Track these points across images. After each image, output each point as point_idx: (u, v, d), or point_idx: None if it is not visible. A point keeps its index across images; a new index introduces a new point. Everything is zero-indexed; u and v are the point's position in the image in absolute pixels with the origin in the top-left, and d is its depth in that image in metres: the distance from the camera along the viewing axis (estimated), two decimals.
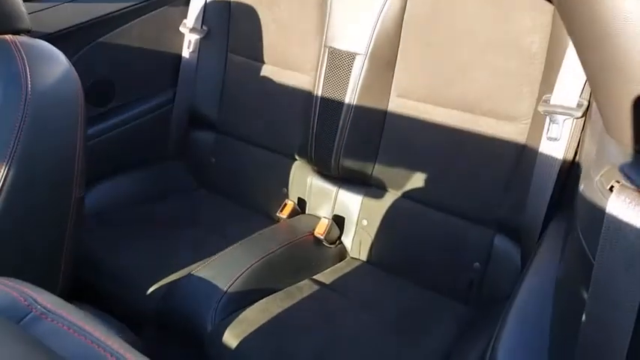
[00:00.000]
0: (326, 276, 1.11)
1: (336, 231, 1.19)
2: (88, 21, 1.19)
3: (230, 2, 1.32)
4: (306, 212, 1.26)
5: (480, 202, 1.01)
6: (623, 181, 0.43)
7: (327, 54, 1.14)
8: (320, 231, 1.15)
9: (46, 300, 0.39)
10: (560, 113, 0.87)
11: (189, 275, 0.99)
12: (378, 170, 1.14)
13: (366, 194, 1.18)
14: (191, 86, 1.38)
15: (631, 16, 0.42)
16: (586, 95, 0.85)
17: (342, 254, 1.20)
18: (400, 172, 1.11)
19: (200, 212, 1.31)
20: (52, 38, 1.06)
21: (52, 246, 0.81)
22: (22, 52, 0.78)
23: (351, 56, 1.10)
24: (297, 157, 1.27)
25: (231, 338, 0.88)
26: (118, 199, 1.29)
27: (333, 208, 1.22)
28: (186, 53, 1.37)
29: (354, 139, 1.14)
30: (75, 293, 0.87)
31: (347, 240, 1.21)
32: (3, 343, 0.31)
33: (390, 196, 1.14)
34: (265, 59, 1.29)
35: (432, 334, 0.95)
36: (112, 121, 1.28)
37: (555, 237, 0.76)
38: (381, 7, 1.06)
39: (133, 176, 1.35)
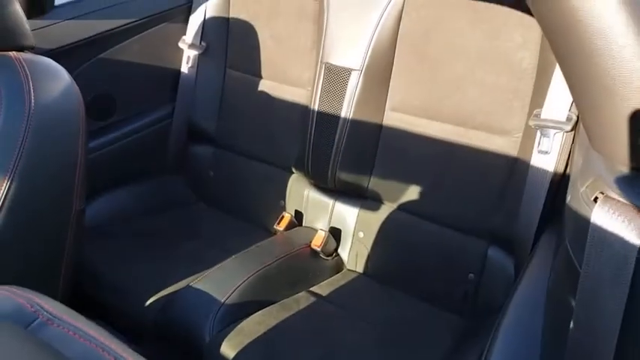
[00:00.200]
0: (323, 288, 1.12)
1: (332, 243, 1.20)
2: (89, 37, 1.22)
3: (228, 19, 1.35)
4: (303, 225, 1.28)
5: (474, 214, 1.03)
6: (607, 192, 0.45)
7: (323, 69, 1.16)
8: (317, 243, 1.17)
9: (52, 306, 0.40)
10: (551, 127, 0.89)
11: (188, 287, 1.00)
12: (374, 183, 1.16)
13: (362, 207, 1.19)
14: (190, 101, 1.40)
15: (611, 33, 0.44)
16: (575, 109, 0.87)
17: (339, 266, 1.21)
18: (395, 185, 1.13)
19: (198, 225, 1.32)
20: (54, 54, 1.09)
21: (52, 257, 0.82)
22: (26, 69, 0.80)
23: (347, 72, 1.13)
24: (294, 170, 1.28)
25: (228, 349, 0.88)
26: (117, 212, 1.30)
27: (330, 220, 1.23)
28: (185, 68, 1.40)
29: (350, 152, 1.16)
30: (75, 306, 0.88)
31: (343, 252, 1.22)
32: (14, 346, 0.32)
33: (386, 209, 1.16)
34: (263, 74, 1.31)
35: (428, 345, 0.96)
36: (112, 135, 1.30)
37: (547, 248, 0.78)
38: (375, 24, 1.09)
39: (132, 190, 1.36)
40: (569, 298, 0.50)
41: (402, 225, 1.13)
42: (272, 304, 1.02)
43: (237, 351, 0.88)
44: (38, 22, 1.14)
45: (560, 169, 0.89)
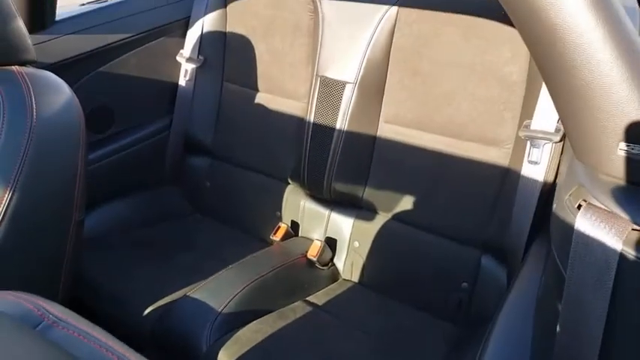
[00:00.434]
0: (319, 297, 1.13)
1: (328, 253, 1.22)
2: (88, 51, 1.24)
3: (225, 33, 1.38)
4: (299, 235, 1.29)
5: (467, 223, 1.04)
6: (589, 200, 0.47)
7: (318, 82, 1.19)
8: (313, 253, 1.18)
9: (57, 310, 0.41)
10: (540, 138, 0.92)
11: (185, 297, 1.01)
12: (369, 193, 1.18)
13: (358, 217, 1.21)
14: (187, 113, 1.42)
15: (589, 49, 0.46)
16: None
17: (335, 276, 1.23)
18: (390, 195, 1.15)
19: (195, 236, 1.34)
20: (55, 68, 1.11)
21: (51, 267, 0.83)
22: (28, 82, 0.81)
23: (342, 85, 1.15)
24: (290, 181, 1.30)
25: (225, 358, 0.89)
26: (115, 223, 1.31)
27: (326, 230, 1.25)
28: (182, 82, 1.42)
29: (345, 163, 1.18)
30: None
31: (339, 262, 1.24)
32: (27, 346, 0.33)
33: (381, 219, 1.18)
34: (260, 87, 1.34)
35: (422, 354, 0.97)
36: (110, 146, 1.32)
37: (537, 256, 0.80)
38: (369, 39, 1.12)
39: (130, 201, 1.38)
40: (556, 303, 0.52)
41: (397, 234, 1.15)
42: (268, 313, 1.03)
43: (234, 359, 0.89)
44: (39, 37, 1.16)
45: (550, 179, 0.91)
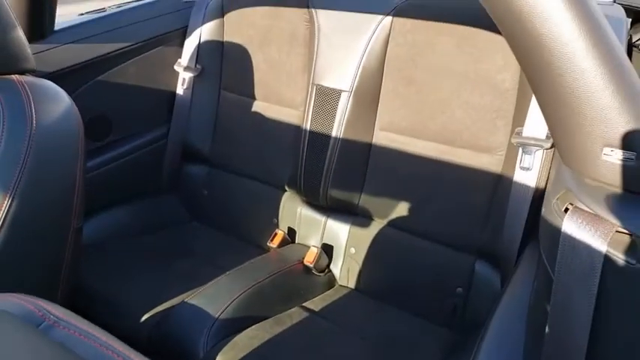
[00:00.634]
0: (315, 303, 1.14)
1: (325, 259, 1.23)
2: (87, 60, 1.25)
3: (223, 43, 1.40)
4: (296, 241, 1.30)
5: (461, 229, 1.06)
6: (576, 204, 0.49)
7: (314, 91, 1.21)
8: (309, 259, 1.19)
9: (57, 310, 0.42)
10: (532, 144, 0.94)
11: (182, 303, 1.01)
12: (365, 200, 1.19)
13: (354, 223, 1.22)
14: (185, 122, 1.44)
15: (574, 58, 0.48)
16: None
17: (331, 282, 1.24)
18: (385, 202, 1.16)
19: (193, 243, 1.34)
20: (54, 77, 1.12)
21: (50, 274, 0.84)
22: (28, 91, 0.83)
23: (337, 93, 1.17)
24: (287, 189, 1.31)
25: None
26: (113, 230, 1.32)
27: (322, 236, 1.26)
28: (180, 90, 1.44)
29: (341, 170, 1.19)
30: None
31: (336, 268, 1.24)
32: (32, 345, 0.34)
33: (377, 225, 1.19)
34: (256, 96, 1.35)
35: (418, 359, 0.98)
36: (108, 154, 1.33)
37: (529, 261, 0.81)
38: (364, 48, 1.14)
39: (127, 208, 1.39)
40: (546, 306, 0.53)
41: (392, 241, 1.16)
42: (265, 319, 1.03)
43: None
44: (39, 46, 1.18)
45: (542, 185, 0.93)
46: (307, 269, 1.19)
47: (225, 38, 1.39)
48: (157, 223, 1.40)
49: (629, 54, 1.33)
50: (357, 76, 1.14)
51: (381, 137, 1.16)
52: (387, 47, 1.12)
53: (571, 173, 0.52)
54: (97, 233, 1.28)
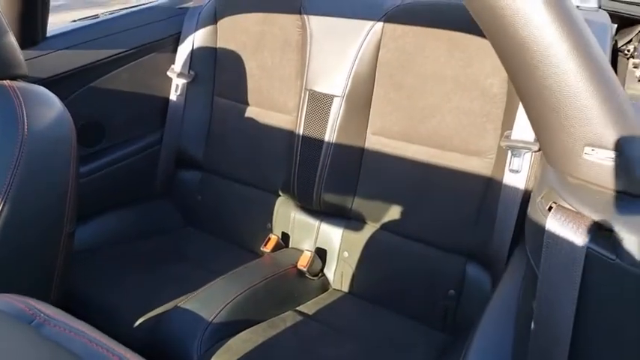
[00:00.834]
0: (309, 307, 1.14)
1: (318, 263, 1.23)
2: (79, 67, 1.26)
3: (216, 49, 1.41)
4: (290, 246, 1.31)
5: (452, 232, 1.07)
6: (559, 202, 0.50)
7: (307, 96, 1.22)
8: (303, 263, 1.19)
9: (48, 309, 0.43)
10: (521, 147, 0.95)
11: (176, 307, 1.01)
12: (357, 204, 1.20)
13: (347, 227, 1.23)
14: (178, 128, 1.44)
15: (555, 60, 0.49)
16: None
17: (325, 286, 1.24)
18: (378, 205, 1.17)
19: (187, 248, 1.35)
20: (46, 83, 1.12)
21: (42, 278, 0.84)
22: (20, 96, 0.83)
23: (330, 98, 1.18)
24: (280, 193, 1.32)
25: None
26: (107, 236, 1.32)
27: (316, 241, 1.27)
28: (173, 96, 1.45)
29: (334, 174, 1.20)
30: None
31: (329, 272, 1.25)
32: (25, 341, 0.34)
33: (369, 229, 1.20)
34: (250, 101, 1.36)
35: None
36: (102, 160, 1.33)
37: (519, 262, 0.82)
38: (355, 53, 1.15)
39: (121, 214, 1.39)
40: (533, 303, 0.54)
41: (385, 244, 1.16)
42: (259, 323, 1.04)
43: None
44: (31, 53, 1.18)
45: (530, 187, 0.94)
46: (301, 273, 1.20)
47: (219, 44, 1.40)
48: (151, 229, 1.41)
49: (615, 59, 1.36)
50: (349, 82, 1.16)
51: (374, 142, 1.18)
52: (378, 53, 1.14)
53: (554, 173, 0.53)
54: (91, 239, 1.28)
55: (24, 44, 1.15)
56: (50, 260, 0.84)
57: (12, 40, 0.86)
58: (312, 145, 1.21)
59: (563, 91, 0.49)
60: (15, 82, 0.87)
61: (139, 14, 1.40)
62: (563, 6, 0.49)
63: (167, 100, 1.45)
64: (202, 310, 0.99)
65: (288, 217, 1.31)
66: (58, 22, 1.33)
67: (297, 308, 1.13)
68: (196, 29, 1.40)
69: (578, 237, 0.45)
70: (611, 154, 0.47)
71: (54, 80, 1.20)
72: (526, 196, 0.94)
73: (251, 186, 1.36)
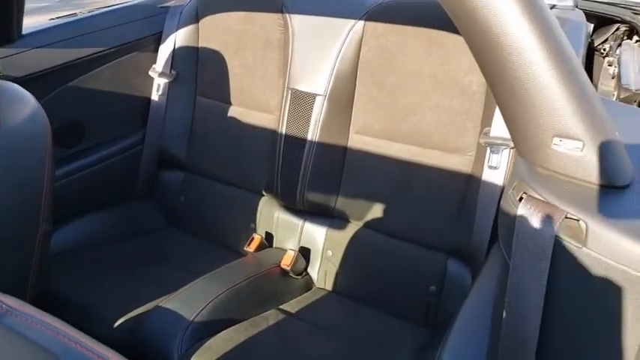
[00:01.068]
0: (292, 306, 1.14)
1: (302, 262, 1.23)
2: (57, 65, 1.24)
3: (198, 48, 1.40)
4: (274, 245, 1.30)
5: (433, 228, 1.07)
6: (529, 193, 0.50)
7: (289, 95, 1.22)
8: (286, 263, 1.19)
9: (11, 301, 0.42)
10: (499, 144, 0.96)
11: (156, 307, 1.00)
12: (341, 202, 1.20)
13: (330, 226, 1.23)
14: (160, 128, 1.43)
15: (526, 52, 0.50)
16: None
17: (309, 285, 1.24)
18: (361, 204, 1.17)
19: (170, 249, 1.34)
20: (23, 82, 1.11)
21: (17, 277, 0.82)
22: None
23: (312, 97, 1.18)
24: (263, 193, 1.32)
25: None
26: (88, 237, 1.31)
27: (299, 240, 1.26)
28: (155, 96, 1.44)
29: (317, 173, 1.20)
30: None
31: (313, 271, 1.25)
32: None
33: (353, 227, 1.20)
34: (232, 101, 1.36)
35: (393, 356, 0.99)
36: (82, 161, 1.32)
37: (497, 257, 0.82)
38: (337, 52, 1.16)
39: (103, 215, 1.37)
40: (505, 294, 0.55)
41: (368, 242, 1.17)
42: (241, 322, 1.03)
43: None
44: (5, 51, 1.16)
45: None
46: (284, 272, 1.19)
47: (200, 44, 1.40)
48: (133, 230, 1.39)
49: (591, 58, 1.38)
50: (332, 80, 1.16)
51: (356, 140, 1.18)
52: (360, 51, 1.14)
53: (525, 164, 0.54)
54: (72, 240, 1.26)
55: None
56: (25, 258, 0.83)
57: None
58: (295, 144, 1.21)
59: (531, 82, 0.50)
60: None
61: (119, 13, 1.38)
62: (533, 1, 0.50)
63: (149, 99, 1.44)
64: (183, 310, 0.98)
65: (272, 216, 1.30)
66: (35, 22, 1.31)
67: (280, 307, 1.13)
68: (178, 28, 1.40)
69: (547, 226, 0.46)
70: (579, 144, 0.48)
71: (30, 79, 1.18)
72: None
73: (234, 186, 1.36)
